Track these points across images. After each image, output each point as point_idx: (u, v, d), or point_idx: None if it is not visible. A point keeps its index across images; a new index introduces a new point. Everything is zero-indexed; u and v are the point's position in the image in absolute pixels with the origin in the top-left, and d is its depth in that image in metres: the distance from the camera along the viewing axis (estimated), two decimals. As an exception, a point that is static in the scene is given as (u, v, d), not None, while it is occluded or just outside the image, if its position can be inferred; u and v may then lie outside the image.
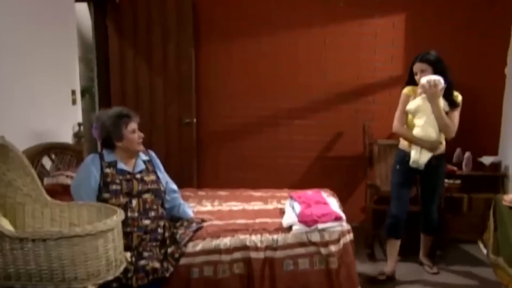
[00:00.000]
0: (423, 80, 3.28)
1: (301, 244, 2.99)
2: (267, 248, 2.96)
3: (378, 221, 4.12)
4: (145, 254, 2.71)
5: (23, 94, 3.15)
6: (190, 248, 2.90)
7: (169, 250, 2.83)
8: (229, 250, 2.92)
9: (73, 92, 3.90)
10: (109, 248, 2.03)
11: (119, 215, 2.12)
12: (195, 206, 3.56)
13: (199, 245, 2.93)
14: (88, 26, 4.78)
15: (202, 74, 4.73)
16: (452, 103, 3.39)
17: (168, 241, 2.89)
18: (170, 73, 4.57)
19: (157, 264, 2.70)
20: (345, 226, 3.13)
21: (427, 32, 4.49)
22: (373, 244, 4.21)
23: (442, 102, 3.33)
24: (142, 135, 2.92)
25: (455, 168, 4.31)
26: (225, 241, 2.95)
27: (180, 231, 2.95)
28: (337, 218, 3.09)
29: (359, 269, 3.33)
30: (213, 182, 4.67)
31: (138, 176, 2.89)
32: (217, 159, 4.92)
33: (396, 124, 3.55)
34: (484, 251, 3.35)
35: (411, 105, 3.42)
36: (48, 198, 2.38)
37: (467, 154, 4.37)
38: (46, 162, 3.35)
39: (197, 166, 4.79)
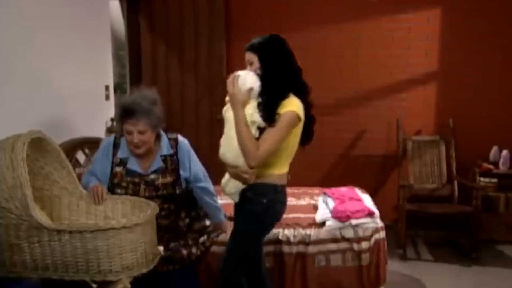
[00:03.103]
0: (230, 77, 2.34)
1: (334, 240, 2.98)
2: (300, 242, 2.95)
3: (411, 221, 4.04)
4: (171, 245, 2.59)
5: (59, 89, 3.20)
6: (222, 237, 2.90)
7: (202, 239, 2.74)
8: (261, 243, 2.92)
9: (107, 88, 3.95)
10: (144, 241, 2.04)
11: (154, 209, 2.13)
12: (227, 199, 3.55)
13: (231, 237, 2.93)
14: (120, 23, 4.83)
15: (233, 70, 4.70)
16: (267, 117, 2.22)
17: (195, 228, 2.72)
18: (201, 70, 4.58)
19: (184, 251, 2.60)
20: (379, 223, 3.10)
21: (463, 26, 4.39)
22: (405, 244, 4.14)
23: (250, 111, 2.25)
24: (142, 138, 2.42)
25: (491, 167, 4.19)
26: (258, 234, 2.95)
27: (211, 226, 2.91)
28: (371, 214, 3.06)
29: (389, 268, 3.27)
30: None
31: (150, 178, 2.53)
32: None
33: None
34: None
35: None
36: (84, 191, 2.41)
37: (505, 152, 4.25)
38: (80, 156, 3.40)
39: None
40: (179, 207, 2.61)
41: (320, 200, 3.39)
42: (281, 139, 2.20)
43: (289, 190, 3.86)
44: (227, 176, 2.43)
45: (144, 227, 2.03)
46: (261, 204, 2.30)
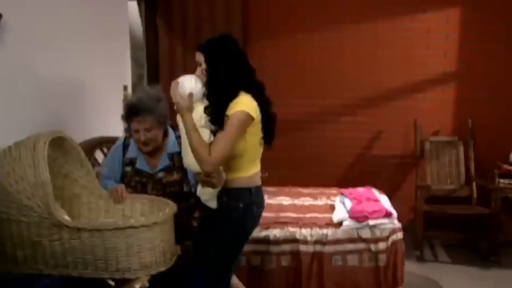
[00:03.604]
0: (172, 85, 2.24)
1: (351, 240, 2.98)
2: (317, 242, 2.96)
3: (429, 222, 4.01)
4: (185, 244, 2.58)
5: (78, 89, 3.25)
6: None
7: None
8: (277, 242, 2.94)
9: (125, 88, 4.00)
10: (162, 240, 2.06)
11: (172, 208, 2.15)
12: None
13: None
14: (137, 24, 4.87)
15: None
16: (215, 120, 2.15)
17: None
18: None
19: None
20: (396, 223, 3.09)
21: (483, 26, 4.33)
22: (422, 246, 4.10)
23: (198, 116, 2.20)
24: (149, 136, 2.47)
25: (511, 168, 4.13)
26: (274, 233, 2.97)
27: None
28: (388, 215, 3.04)
29: (406, 269, 3.25)
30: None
31: (158, 176, 2.57)
32: (264, 155, 4.90)
33: None
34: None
35: None
36: (103, 190, 2.44)
37: (524, 153, 4.19)
38: (99, 156, 3.44)
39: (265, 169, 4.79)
40: (191, 206, 2.61)
41: (337, 200, 3.39)
42: (232, 140, 2.11)
43: (305, 190, 3.91)
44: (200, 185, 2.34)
45: (162, 226, 2.05)
46: (237, 209, 2.23)
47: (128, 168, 2.60)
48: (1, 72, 2.44)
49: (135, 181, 2.57)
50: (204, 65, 2.18)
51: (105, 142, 3.51)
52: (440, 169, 4.33)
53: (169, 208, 2.15)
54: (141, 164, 2.58)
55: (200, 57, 2.20)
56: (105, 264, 1.98)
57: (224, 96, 2.15)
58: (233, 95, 2.14)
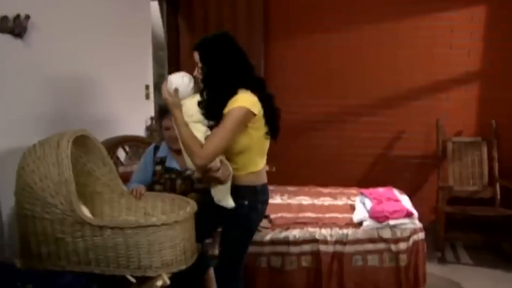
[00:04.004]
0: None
1: (371, 240, 2.96)
2: (337, 242, 2.95)
3: (450, 223, 3.95)
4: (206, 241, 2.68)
5: (101, 89, 3.28)
6: (258, 237, 2.93)
7: None
8: (297, 242, 2.94)
9: (147, 87, 4.04)
10: (183, 238, 2.07)
11: (193, 207, 2.16)
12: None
13: (268, 235, 2.96)
14: (159, 24, 4.91)
15: (270, 70, 4.73)
16: (209, 115, 2.18)
17: None
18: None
19: (217, 251, 2.69)
20: (417, 223, 3.07)
21: (510, 25, 4.24)
22: (444, 247, 4.04)
23: (190, 112, 2.20)
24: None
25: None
26: (294, 233, 2.97)
27: None
28: (409, 215, 3.02)
29: (427, 270, 3.21)
30: (279, 178, 4.65)
31: (187, 173, 2.69)
32: (283, 155, 4.90)
33: None
34: None
35: None
36: (125, 188, 2.48)
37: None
38: (120, 154, 3.48)
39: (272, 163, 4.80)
40: None
41: (357, 200, 3.37)
42: (228, 136, 2.09)
43: (325, 190, 3.90)
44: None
45: (183, 225, 2.07)
46: (242, 206, 2.25)
47: (158, 167, 2.72)
48: (29, 72, 2.49)
49: (165, 178, 2.69)
50: (200, 64, 2.19)
51: (127, 141, 3.55)
52: (462, 170, 4.27)
53: (190, 206, 2.16)
54: (171, 162, 2.71)
55: (196, 56, 2.20)
56: (127, 261, 2.01)
57: (221, 94, 2.14)
58: (230, 93, 2.13)
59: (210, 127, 2.19)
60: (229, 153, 2.21)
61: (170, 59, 4.83)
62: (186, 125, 2.16)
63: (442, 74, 4.46)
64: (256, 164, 2.28)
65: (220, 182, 2.19)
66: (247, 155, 2.23)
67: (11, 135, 2.37)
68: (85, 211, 2.18)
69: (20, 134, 2.42)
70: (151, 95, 4.18)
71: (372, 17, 4.51)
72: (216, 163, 2.14)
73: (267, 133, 2.23)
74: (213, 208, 2.27)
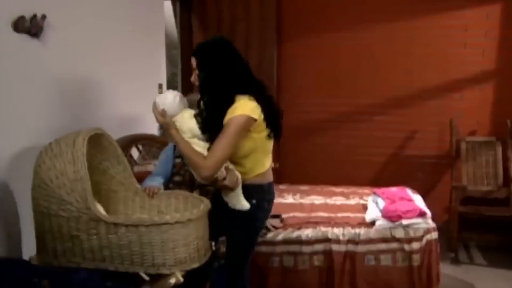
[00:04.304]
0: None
1: (384, 240, 2.96)
2: (349, 241, 2.95)
3: (464, 223, 3.93)
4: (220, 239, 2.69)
5: (115, 88, 3.31)
6: (270, 237, 2.94)
7: None
8: (310, 242, 2.94)
9: (160, 86, 4.06)
10: (196, 236, 2.08)
11: (206, 205, 2.17)
12: (276, 198, 3.57)
13: (280, 235, 2.97)
14: (172, 24, 4.93)
15: (283, 70, 4.74)
16: (207, 127, 2.20)
17: None
18: (252, 68, 4.57)
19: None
20: (430, 223, 3.06)
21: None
22: (457, 247, 4.02)
23: (184, 127, 2.22)
24: None
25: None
26: (307, 233, 2.98)
27: None
28: (422, 214, 3.01)
29: (441, 271, 3.19)
30: (291, 177, 4.67)
31: None
32: (296, 154, 4.91)
33: None
34: None
35: None
36: (139, 186, 2.49)
37: None
38: (134, 153, 3.50)
39: (276, 161, 4.80)
40: None
41: (370, 200, 3.36)
42: (230, 145, 2.09)
43: (337, 189, 3.89)
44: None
45: (197, 223, 2.08)
46: (250, 205, 2.26)
47: (178, 160, 2.73)
48: (45, 72, 2.52)
49: (184, 169, 2.70)
50: (197, 70, 2.19)
51: (140, 140, 3.57)
52: (476, 169, 4.23)
53: (203, 204, 2.17)
54: None
55: (193, 62, 2.21)
56: (141, 259, 2.03)
57: (218, 102, 2.14)
58: (228, 101, 2.12)
59: (207, 140, 2.20)
60: (234, 157, 2.22)
61: (183, 58, 4.86)
62: (185, 140, 2.18)
63: (456, 73, 4.43)
64: (263, 164, 2.29)
65: (230, 189, 2.21)
66: (253, 157, 2.25)
67: (28, 133, 2.41)
68: (100, 209, 2.20)
69: (36, 132, 2.45)
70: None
71: (384, 16, 4.49)
72: (222, 172, 2.15)
73: (269, 135, 2.23)
74: (222, 207, 2.28)
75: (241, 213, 2.25)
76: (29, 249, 2.29)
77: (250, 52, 4.57)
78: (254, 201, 2.27)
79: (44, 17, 2.39)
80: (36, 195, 2.07)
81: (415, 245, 2.93)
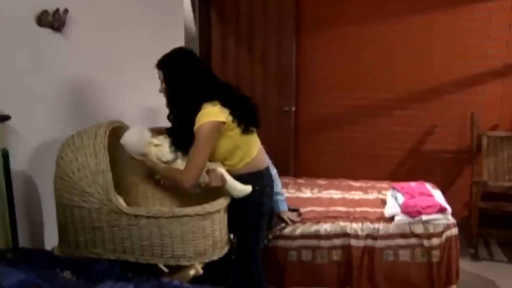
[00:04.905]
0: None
1: (403, 235, 2.94)
2: (368, 236, 2.94)
3: (484, 219, 3.88)
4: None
5: (135, 81, 3.33)
6: (288, 231, 2.95)
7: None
8: (328, 236, 2.94)
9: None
10: (216, 229, 2.10)
11: (226, 198, 2.19)
12: (294, 192, 3.60)
13: (299, 229, 2.97)
14: (190, 18, 4.93)
15: (302, 62, 4.71)
16: (179, 140, 2.27)
17: None
18: (270, 62, 4.61)
19: None
20: (451, 219, 3.03)
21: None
22: (477, 243, 3.97)
23: (153, 156, 2.30)
24: None
25: None
26: (325, 227, 2.97)
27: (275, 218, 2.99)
28: (442, 210, 2.98)
29: (460, 267, 3.16)
30: (309, 171, 4.66)
31: None
32: (314, 148, 4.90)
33: None
34: None
35: None
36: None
37: None
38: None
39: (294, 154, 4.80)
40: None
41: (388, 195, 3.34)
42: (204, 153, 2.18)
43: (356, 183, 3.87)
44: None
45: (216, 215, 2.10)
46: (254, 192, 2.32)
47: None
48: (67, 64, 2.55)
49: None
50: (163, 84, 2.30)
51: (159, 133, 3.59)
52: (497, 165, 4.16)
53: (223, 197, 2.18)
54: None
55: (160, 74, 2.31)
56: (161, 250, 2.05)
57: (186, 114, 2.22)
58: (195, 111, 2.20)
59: (183, 153, 2.26)
60: (221, 158, 2.33)
61: (202, 51, 4.86)
62: (157, 165, 2.28)
63: (478, 66, 4.36)
64: (250, 154, 2.38)
65: (221, 186, 2.25)
66: (237, 152, 2.35)
67: (51, 126, 2.44)
68: (121, 201, 2.22)
69: (59, 125, 2.48)
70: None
71: (405, 9, 4.43)
72: (204, 178, 2.22)
73: (245, 130, 2.31)
74: (232, 198, 2.32)
75: (247, 201, 2.29)
76: (51, 241, 2.33)
77: (269, 45, 4.57)
78: (256, 188, 2.34)
79: (66, 11, 2.41)
80: (58, 187, 2.10)
81: (435, 241, 2.90)
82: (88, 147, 2.04)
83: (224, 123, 2.22)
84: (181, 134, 2.25)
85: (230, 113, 2.24)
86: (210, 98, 2.24)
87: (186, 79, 2.25)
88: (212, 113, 2.20)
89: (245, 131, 2.32)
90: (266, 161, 2.52)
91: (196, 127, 2.18)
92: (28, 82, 2.27)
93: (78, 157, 2.04)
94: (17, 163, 2.18)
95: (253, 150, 2.41)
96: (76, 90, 2.65)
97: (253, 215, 2.42)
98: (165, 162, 2.27)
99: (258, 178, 2.39)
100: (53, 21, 2.34)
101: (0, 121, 2.05)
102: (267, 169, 2.49)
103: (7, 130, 2.11)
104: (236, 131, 2.29)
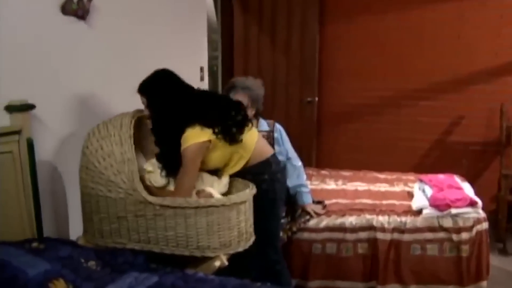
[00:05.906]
0: None
1: (431, 229, 2.87)
2: (395, 230, 2.87)
3: (513, 213, 3.79)
4: None
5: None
6: (313, 223, 2.91)
7: (288, 224, 2.89)
8: (354, 229, 2.89)
9: (201, 69, 4.05)
10: (241, 220, 2.07)
11: (252, 189, 2.15)
12: (318, 184, 3.55)
13: (323, 222, 2.92)
14: (212, 8, 4.89)
15: (325, 52, 4.64)
16: (169, 165, 2.25)
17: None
18: (293, 52, 4.55)
19: None
20: (481, 213, 2.94)
21: None
22: (505, 238, 3.87)
23: (147, 177, 2.31)
24: None
25: None
26: (351, 220, 2.92)
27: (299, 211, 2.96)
28: (472, 203, 2.90)
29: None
30: (331, 162, 4.59)
31: (275, 135, 2.93)
32: (337, 139, 4.84)
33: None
34: None
35: None
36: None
37: None
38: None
39: (316, 145, 4.75)
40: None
41: (416, 187, 3.26)
42: (192, 174, 2.19)
43: (381, 175, 3.81)
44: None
45: (242, 206, 2.07)
46: (264, 181, 2.35)
47: None
48: (91, 53, 2.54)
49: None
50: (147, 109, 2.24)
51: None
52: (528, 156, 4.05)
53: (249, 188, 2.15)
54: (262, 125, 2.89)
55: (143, 99, 2.25)
56: (186, 241, 2.03)
57: (172, 139, 2.19)
58: (180, 134, 2.17)
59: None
60: (216, 167, 2.33)
61: (224, 41, 4.83)
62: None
63: (508, 56, 4.23)
64: (248, 151, 2.35)
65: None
66: (233, 156, 2.33)
67: (76, 115, 2.43)
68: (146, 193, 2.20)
69: (84, 114, 2.47)
70: (206, 77, 4.20)
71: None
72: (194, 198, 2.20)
73: (232, 141, 2.26)
74: None
75: (260, 189, 2.24)
76: (76, 230, 2.33)
77: (292, 34, 4.51)
78: (266, 176, 2.38)
79: (90, -1, 2.40)
80: (83, 176, 2.09)
81: (464, 236, 2.82)
82: (114, 136, 2.03)
83: (209, 141, 2.20)
84: (169, 159, 2.23)
85: (213, 132, 2.20)
86: (190, 123, 2.20)
87: (169, 103, 2.21)
88: (194, 135, 2.17)
89: (233, 142, 2.26)
90: (268, 148, 2.52)
91: (182, 149, 2.16)
92: (52, 70, 2.26)
93: (103, 146, 2.03)
94: (42, 153, 2.18)
95: (249, 147, 2.36)
96: (100, 79, 2.63)
97: (267, 203, 2.41)
98: (158, 188, 2.27)
99: (266, 166, 2.41)
100: (77, 9, 2.33)
101: (25, 110, 2.04)
102: (273, 155, 2.49)
103: (32, 120, 2.10)
104: (223, 141, 2.25)
